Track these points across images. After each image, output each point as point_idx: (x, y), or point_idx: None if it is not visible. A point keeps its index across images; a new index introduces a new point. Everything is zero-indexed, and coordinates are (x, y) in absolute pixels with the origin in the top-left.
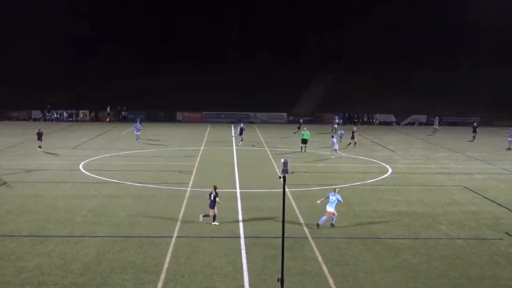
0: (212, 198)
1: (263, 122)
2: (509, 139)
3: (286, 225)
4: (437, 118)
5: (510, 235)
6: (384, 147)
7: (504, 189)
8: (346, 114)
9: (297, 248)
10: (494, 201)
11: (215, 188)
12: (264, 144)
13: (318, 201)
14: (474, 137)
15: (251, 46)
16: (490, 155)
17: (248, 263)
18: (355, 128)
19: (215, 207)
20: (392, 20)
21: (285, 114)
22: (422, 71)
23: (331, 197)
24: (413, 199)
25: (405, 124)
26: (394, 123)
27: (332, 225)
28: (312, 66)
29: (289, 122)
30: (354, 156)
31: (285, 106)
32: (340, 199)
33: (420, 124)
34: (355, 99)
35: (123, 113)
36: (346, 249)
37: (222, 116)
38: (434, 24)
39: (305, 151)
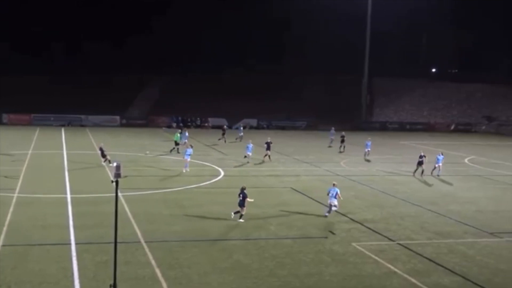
0: (241, 197)
1: (95, 125)
2: (331, 137)
3: (118, 229)
4: (333, 128)
5: (333, 233)
6: (216, 150)
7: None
8: (180, 118)
9: (130, 252)
10: (319, 201)
11: (243, 188)
12: (96, 147)
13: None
14: (343, 147)
15: (80, 44)
16: (315, 157)
17: (79, 269)
18: (269, 139)
19: (245, 205)
20: (227, 22)
21: (118, 117)
22: (252, 76)
23: (331, 192)
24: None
25: (237, 128)
26: (226, 127)
27: (325, 216)
28: (147, 68)
29: (122, 125)
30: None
31: (118, 109)
32: (339, 192)
33: (251, 127)
34: (189, 102)
35: None
36: (180, 252)
37: (52, 119)
38: (264, 30)
39: (178, 151)
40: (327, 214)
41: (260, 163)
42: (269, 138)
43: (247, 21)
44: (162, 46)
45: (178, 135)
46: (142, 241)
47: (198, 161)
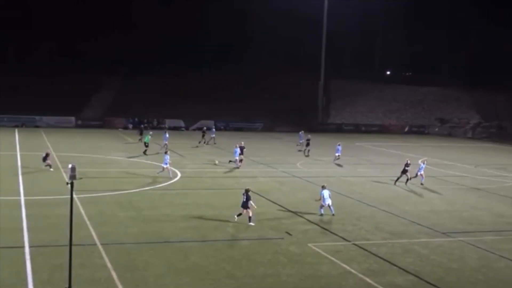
0: (245, 199)
1: (50, 126)
2: (300, 141)
3: (74, 232)
4: (301, 131)
5: (290, 234)
6: (173, 151)
7: (285, 191)
8: (136, 119)
9: (86, 255)
10: (275, 203)
11: (247, 191)
12: (51, 149)
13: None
14: (308, 151)
15: (34, 44)
16: (272, 159)
17: (33, 273)
18: (242, 143)
19: (250, 209)
20: (183, 23)
21: (73, 118)
22: (209, 77)
23: (324, 193)
24: (202, 202)
25: (194, 129)
26: (183, 128)
27: (333, 214)
28: (103, 69)
29: (78, 126)
30: (144, 161)
31: (73, 110)
32: (330, 193)
33: (208, 129)
34: (146, 103)
35: None
36: (136, 254)
37: (5, 119)
38: (220, 32)
39: (145, 153)
40: (333, 213)
41: (231, 169)
42: (242, 142)
43: (204, 22)
44: (118, 47)
45: (149, 137)
46: (98, 243)
47: (155, 163)
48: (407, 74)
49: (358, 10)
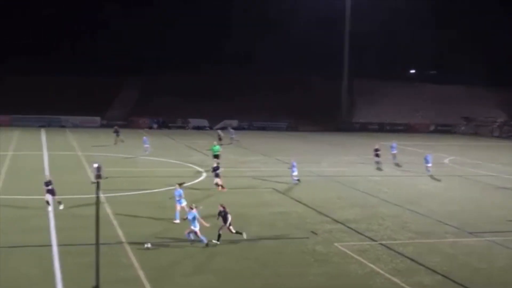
0: None
1: (75, 126)
2: (393, 151)
3: (101, 231)
4: (395, 142)
5: (315, 233)
6: (197, 151)
7: (309, 190)
8: (161, 119)
9: (113, 254)
10: (300, 202)
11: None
12: (77, 148)
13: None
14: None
15: (58, 44)
16: (297, 158)
17: (61, 272)
18: (215, 164)
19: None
20: (197, 24)
21: (98, 118)
22: (230, 76)
23: (189, 215)
24: (227, 201)
25: (218, 129)
26: (207, 128)
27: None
28: (124, 69)
29: (103, 126)
30: (168, 160)
31: (98, 110)
32: (197, 216)
33: (233, 128)
34: (169, 103)
35: None
36: (162, 254)
37: (32, 119)
38: (241, 29)
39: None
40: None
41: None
42: (215, 162)
43: (227, 21)
44: (139, 47)
45: (219, 147)
46: (125, 242)
47: (180, 162)
48: (432, 72)
49: (380, 9)
